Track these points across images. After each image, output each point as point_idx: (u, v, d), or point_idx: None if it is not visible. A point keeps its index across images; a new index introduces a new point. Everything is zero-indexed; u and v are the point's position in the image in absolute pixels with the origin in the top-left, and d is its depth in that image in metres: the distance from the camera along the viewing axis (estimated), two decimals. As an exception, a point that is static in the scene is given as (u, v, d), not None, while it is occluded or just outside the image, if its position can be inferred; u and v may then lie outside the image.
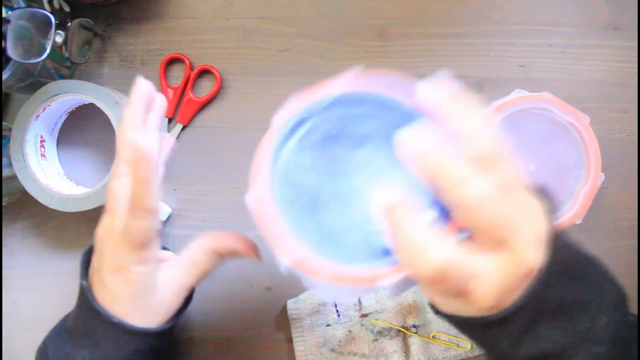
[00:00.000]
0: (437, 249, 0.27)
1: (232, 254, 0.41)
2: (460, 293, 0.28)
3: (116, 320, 0.37)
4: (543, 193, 0.31)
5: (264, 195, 0.32)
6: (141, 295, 0.38)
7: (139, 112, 0.37)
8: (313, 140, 0.34)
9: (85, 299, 0.38)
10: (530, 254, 0.28)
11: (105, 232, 0.37)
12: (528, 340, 0.31)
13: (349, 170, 0.33)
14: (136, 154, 0.35)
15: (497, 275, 0.28)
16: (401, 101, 0.33)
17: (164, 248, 0.47)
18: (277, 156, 0.33)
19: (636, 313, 0.35)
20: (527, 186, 0.29)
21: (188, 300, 0.43)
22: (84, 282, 0.39)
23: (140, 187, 0.35)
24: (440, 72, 0.31)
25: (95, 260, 0.38)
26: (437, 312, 0.34)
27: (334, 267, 0.30)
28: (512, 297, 0.29)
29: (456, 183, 0.27)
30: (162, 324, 0.39)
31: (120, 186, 0.36)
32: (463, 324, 0.33)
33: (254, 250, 0.42)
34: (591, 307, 0.31)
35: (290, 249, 0.31)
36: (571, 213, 0.47)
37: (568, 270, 0.31)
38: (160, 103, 0.39)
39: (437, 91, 0.31)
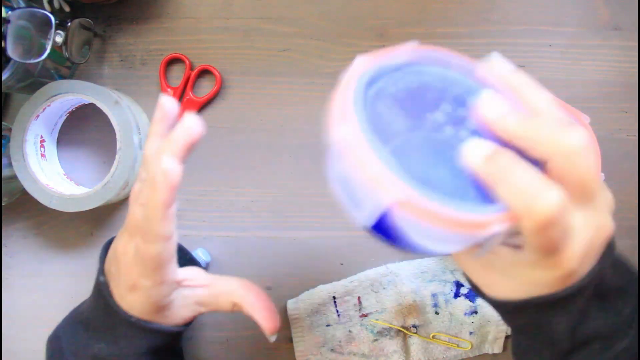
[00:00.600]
0: (551, 192, 0.26)
1: (250, 318, 0.41)
2: (555, 248, 0.28)
3: (134, 319, 0.37)
4: None
5: (355, 131, 0.28)
6: (156, 311, 0.38)
7: (160, 130, 0.36)
8: (390, 92, 0.32)
9: (103, 296, 0.38)
10: (609, 217, 0.29)
11: (121, 248, 0.37)
12: (583, 323, 0.31)
13: (433, 122, 0.32)
14: (154, 179, 0.33)
15: (585, 235, 0.29)
16: (465, 75, 0.34)
17: (192, 260, 0.47)
18: (360, 99, 0.30)
19: None
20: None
21: None
22: (102, 278, 0.38)
23: (153, 212, 0.34)
24: (495, 54, 0.32)
25: (114, 268, 0.38)
26: (487, 298, 0.33)
27: (444, 209, 0.27)
28: (587, 266, 0.30)
29: (552, 134, 0.27)
30: (178, 325, 0.40)
31: (137, 209, 0.35)
32: (525, 309, 0.32)
33: (274, 328, 0.41)
34: (631, 292, 0.32)
35: (392, 187, 0.27)
36: None
37: (613, 259, 0.32)
38: (188, 127, 0.34)
39: (503, 65, 0.32)
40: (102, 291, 0.38)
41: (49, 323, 0.56)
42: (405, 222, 0.28)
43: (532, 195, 0.26)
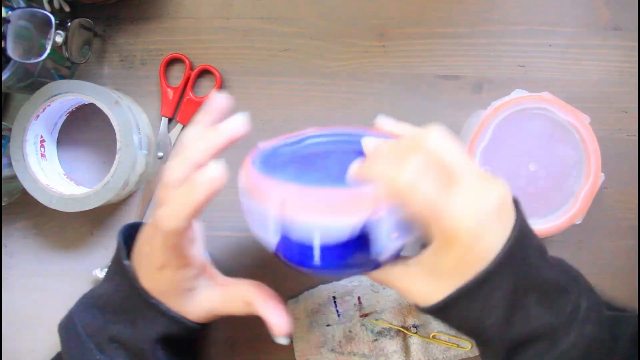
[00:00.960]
0: (409, 165, 0.33)
1: (262, 318, 0.41)
2: (432, 206, 0.32)
3: (154, 301, 0.39)
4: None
5: (251, 171, 0.37)
6: (181, 292, 0.39)
7: (206, 120, 0.38)
8: (289, 158, 0.42)
9: (128, 278, 0.39)
10: (457, 220, 0.32)
11: (151, 232, 0.38)
12: (518, 321, 0.33)
13: (322, 169, 0.42)
14: (195, 180, 0.34)
15: (463, 204, 0.33)
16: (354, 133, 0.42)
17: None
18: (257, 162, 0.39)
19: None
20: (471, 164, 0.35)
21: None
22: (127, 262, 0.40)
23: (184, 210, 0.35)
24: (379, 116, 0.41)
25: (146, 248, 0.38)
26: (423, 309, 0.36)
27: (326, 190, 0.33)
28: (491, 247, 0.33)
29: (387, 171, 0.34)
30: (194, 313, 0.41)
31: (169, 194, 0.36)
32: (447, 309, 0.35)
33: (283, 330, 0.41)
34: (571, 290, 0.35)
35: (277, 193, 0.34)
36: (571, 213, 0.47)
37: (543, 254, 0.36)
38: (236, 123, 0.37)
39: (386, 120, 0.41)
40: (127, 273, 0.39)
41: (49, 323, 0.56)
42: (299, 225, 0.34)
43: (392, 169, 0.33)
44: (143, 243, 0.39)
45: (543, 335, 0.33)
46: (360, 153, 0.39)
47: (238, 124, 0.37)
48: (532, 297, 0.33)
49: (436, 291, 0.35)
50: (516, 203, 0.35)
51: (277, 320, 0.40)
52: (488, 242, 0.33)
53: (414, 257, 0.37)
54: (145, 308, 0.39)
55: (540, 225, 0.47)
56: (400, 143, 0.36)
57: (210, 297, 0.41)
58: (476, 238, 0.32)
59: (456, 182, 0.33)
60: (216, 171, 0.34)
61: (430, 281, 0.35)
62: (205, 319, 0.42)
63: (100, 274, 0.54)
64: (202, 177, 0.34)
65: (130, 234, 0.42)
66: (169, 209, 0.35)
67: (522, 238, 0.34)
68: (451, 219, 0.32)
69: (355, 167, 0.37)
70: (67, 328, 0.41)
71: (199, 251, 0.40)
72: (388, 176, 0.33)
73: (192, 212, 0.35)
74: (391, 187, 0.33)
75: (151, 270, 0.39)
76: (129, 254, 0.41)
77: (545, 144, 0.47)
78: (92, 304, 0.41)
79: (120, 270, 0.40)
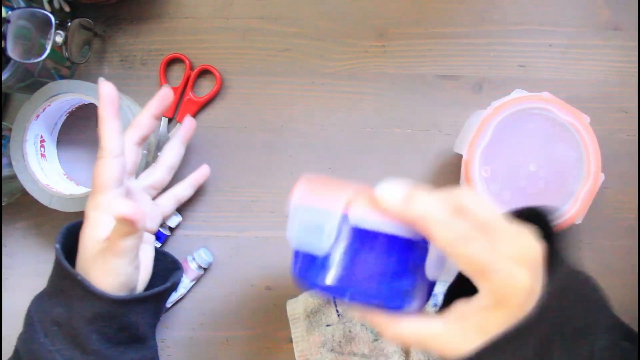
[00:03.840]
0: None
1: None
2: (483, 264, 0.31)
3: (80, 277, 0.40)
4: (536, 215, 0.35)
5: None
6: (103, 245, 0.41)
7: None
8: None
9: (58, 260, 0.41)
10: (513, 278, 0.31)
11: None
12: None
13: None
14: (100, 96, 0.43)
15: (514, 255, 0.31)
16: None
17: (175, 262, 0.51)
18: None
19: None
20: (504, 217, 0.33)
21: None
22: (57, 245, 0.42)
23: (102, 129, 0.42)
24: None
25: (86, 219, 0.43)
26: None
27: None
28: (528, 300, 0.31)
29: (441, 224, 0.32)
30: (121, 292, 0.42)
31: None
32: (476, 356, 0.33)
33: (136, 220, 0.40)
34: (591, 330, 0.33)
35: (343, 191, 0.36)
36: (571, 213, 0.47)
37: (568, 292, 0.33)
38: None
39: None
40: (57, 257, 0.42)
41: (49, 323, 0.55)
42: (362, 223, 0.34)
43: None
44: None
45: None
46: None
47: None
48: (557, 343, 0.32)
49: (467, 341, 0.33)
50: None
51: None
52: (536, 294, 0.32)
53: (449, 311, 0.34)
54: (75, 286, 0.40)
55: None
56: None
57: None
58: (530, 294, 0.31)
59: (498, 240, 0.32)
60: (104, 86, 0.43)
61: (466, 334, 0.33)
62: (120, 284, 0.42)
63: None
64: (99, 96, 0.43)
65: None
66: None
67: (562, 282, 0.33)
68: (506, 278, 0.31)
69: (398, 197, 0.34)
70: (26, 316, 0.43)
71: (121, 194, 0.44)
72: (437, 225, 0.32)
73: (105, 123, 0.43)
74: (441, 237, 0.32)
75: (87, 220, 0.43)
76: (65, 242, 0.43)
77: (545, 144, 0.47)
78: (42, 293, 0.43)
79: (55, 257, 0.42)
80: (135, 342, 0.44)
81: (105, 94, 0.43)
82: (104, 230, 0.42)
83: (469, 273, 0.32)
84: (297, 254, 0.38)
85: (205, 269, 0.54)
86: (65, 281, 0.41)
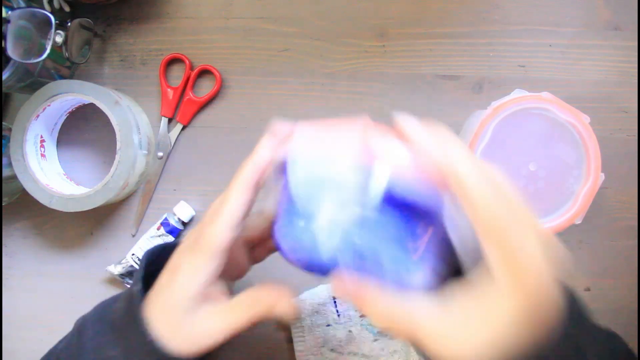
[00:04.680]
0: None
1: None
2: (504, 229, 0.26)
3: (149, 338, 0.34)
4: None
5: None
6: (181, 310, 0.34)
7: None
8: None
9: (133, 305, 0.35)
10: (533, 252, 0.26)
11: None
12: None
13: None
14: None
15: (535, 247, 0.27)
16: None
17: None
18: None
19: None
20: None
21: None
22: (136, 288, 0.36)
23: (235, 188, 0.34)
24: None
25: (166, 276, 0.35)
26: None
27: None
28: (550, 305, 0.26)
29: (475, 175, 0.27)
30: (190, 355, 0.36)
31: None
32: None
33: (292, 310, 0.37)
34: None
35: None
36: (571, 213, 0.47)
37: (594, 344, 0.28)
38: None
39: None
40: (133, 301, 0.35)
41: (49, 323, 0.56)
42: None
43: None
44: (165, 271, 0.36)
45: None
46: None
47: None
48: None
49: (466, 336, 0.27)
50: None
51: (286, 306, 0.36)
52: (554, 303, 0.26)
53: (446, 294, 0.29)
54: (141, 341, 0.34)
55: None
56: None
57: (217, 323, 0.37)
58: (547, 287, 0.26)
59: (524, 214, 0.27)
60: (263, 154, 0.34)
61: (466, 324, 0.27)
62: (201, 350, 0.37)
63: (115, 269, 0.53)
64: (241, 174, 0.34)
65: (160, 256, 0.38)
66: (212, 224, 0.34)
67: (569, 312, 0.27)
68: (526, 249, 0.26)
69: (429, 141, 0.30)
70: (79, 332, 0.38)
71: (220, 263, 0.35)
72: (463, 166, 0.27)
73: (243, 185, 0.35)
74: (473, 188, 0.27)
75: (165, 276, 0.35)
76: (147, 280, 0.36)
77: (545, 144, 0.47)
78: (105, 317, 0.38)
79: (130, 295, 0.36)
80: None
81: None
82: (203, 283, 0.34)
83: (485, 232, 0.27)
84: (290, 212, 0.32)
85: (185, 224, 0.54)
86: (131, 327, 0.35)
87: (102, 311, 0.39)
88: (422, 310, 0.28)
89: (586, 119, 0.47)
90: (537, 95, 0.47)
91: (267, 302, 0.36)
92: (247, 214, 0.35)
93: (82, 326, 0.38)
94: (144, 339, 0.34)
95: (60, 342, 0.41)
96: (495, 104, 0.48)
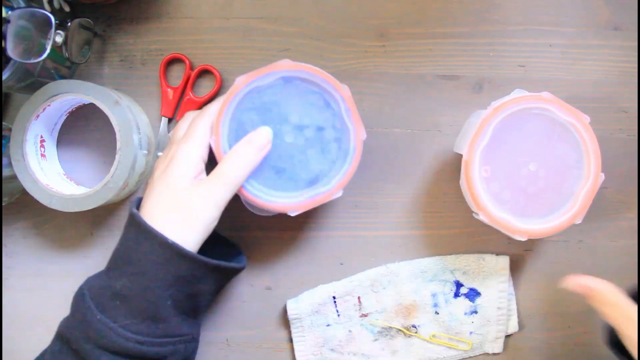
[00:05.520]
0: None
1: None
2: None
3: (170, 241, 0.39)
4: None
5: (221, 141, 0.46)
6: (189, 185, 0.43)
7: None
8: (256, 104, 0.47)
9: (137, 224, 0.41)
10: None
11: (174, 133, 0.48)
12: None
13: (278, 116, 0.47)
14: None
15: None
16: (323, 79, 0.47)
17: (229, 244, 0.53)
18: (232, 113, 0.47)
19: None
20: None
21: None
22: (134, 210, 0.42)
23: (250, 165, 0.45)
24: None
25: (159, 169, 0.45)
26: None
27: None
28: None
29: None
30: (199, 242, 0.42)
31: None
32: None
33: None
34: None
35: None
36: (571, 213, 0.47)
37: None
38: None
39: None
40: (135, 220, 0.41)
41: (49, 323, 0.56)
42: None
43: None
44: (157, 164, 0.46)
45: None
46: (313, 93, 0.47)
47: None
48: None
49: None
50: None
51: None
52: None
53: None
54: (158, 251, 0.39)
55: (540, 225, 0.47)
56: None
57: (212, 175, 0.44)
58: None
59: None
60: (268, 133, 0.45)
61: None
62: (216, 214, 0.43)
63: None
64: (261, 137, 0.45)
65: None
66: (237, 164, 0.44)
67: None
68: None
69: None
70: (76, 294, 0.41)
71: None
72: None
73: (252, 169, 0.45)
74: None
75: (167, 166, 0.43)
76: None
77: (545, 144, 0.47)
78: (102, 271, 0.43)
79: (129, 220, 0.41)
80: (191, 314, 0.44)
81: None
82: (199, 166, 0.44)
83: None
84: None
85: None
86: (142, 247, 0.40)
87: (93, 276, 0.43)
88: (632, 312, 0.41)
89: (586, 119, 0.47)
90: (537, 96, 0.47)
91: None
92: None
93: (76, 293, 0.42)
94: (166, 246, 0.39)
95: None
96: (495, 103, 0.48)
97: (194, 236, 0.42)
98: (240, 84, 0.47)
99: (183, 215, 0.41)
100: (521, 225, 0.47)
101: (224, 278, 0.45)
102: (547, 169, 0.47)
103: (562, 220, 0.47)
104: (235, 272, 0.46)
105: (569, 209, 0.47)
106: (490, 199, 0.47)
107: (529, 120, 0.47)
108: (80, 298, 0.41)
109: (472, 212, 0.50)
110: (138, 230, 0.41)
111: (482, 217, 0.48)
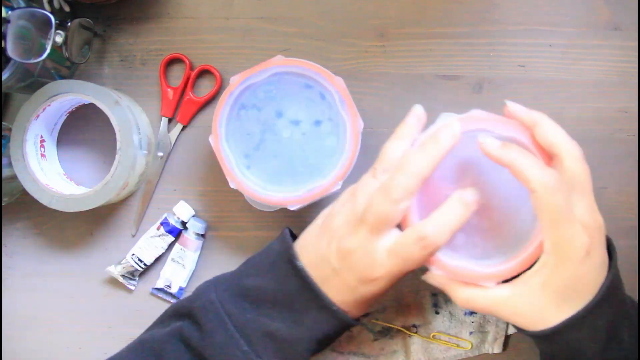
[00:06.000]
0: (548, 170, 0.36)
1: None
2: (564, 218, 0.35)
3: (328, 301, 0.39)
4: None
5: (220, 140, 0.47)
6: (365, 278, 0.39)
7: (410, 134, 0.41)
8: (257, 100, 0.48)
9: (305, 281, 0.39)
10: (578, 235, 0.35)
11: (358, 244, 0.38)
12: (614, 350, 0.35)
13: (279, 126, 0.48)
14: (405, 166, 0.38)
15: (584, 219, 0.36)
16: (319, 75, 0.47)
17: None
18: (229, 112, 0.48)
19: None
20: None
21: None
22: (300, 264, 0.40)
23: (414, 166, 0.37)
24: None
25: (339, 263, 0.39)
26: (529, 334, 0.39)
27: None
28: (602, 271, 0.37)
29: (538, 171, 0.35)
30: (358, 315, 0.41)
31: (382, 202, 0.37)
32: (555, 335, 0.37)
33: None
34: None
35: (234, 174, 0.48)
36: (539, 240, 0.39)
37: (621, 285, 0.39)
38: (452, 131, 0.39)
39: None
40: (302, 276, 0.39)
41: (49, 323, 0.56)
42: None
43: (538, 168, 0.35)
44: (331, 256, 0.39)
45: None
46: (308, 87, 0.47)
47: (454, 131, 0.38)
48: (625, 327, 0.36)
49: (544, 317, 0.37)
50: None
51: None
52: (596, 265, 0.36)
53: (516, 278, 0.38)
54: (315, 306, 0.39)
55: (508, 264, 0.38)
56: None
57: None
58: (586, 256, 0.35)
59: (576, 201, 0.36)
60: (472, 195, 0.38)
61: (537, 305, 0.37)
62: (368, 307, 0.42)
63: (115, 269, 0.53)
64: (465, 197, 0.37)
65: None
66: (438, 226, 0.37)
67: (617, 269, 0.38)
68: (572, 233, 0.35)
69: (492, 146, 0.37)
70: (208, 311, 0.40)
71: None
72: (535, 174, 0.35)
73: (457, 228, 0.37)
74: (536, 182, 0.35)
75: (351, 282, 0.39)
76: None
77: (487, 169, 0.40)
78: (238, 294, 0.41)
79: (292, 271, 0.40)
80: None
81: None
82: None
83: (544, 220, 0.35)
84: None
85: (203, 235, 0.54)
86: (304, 301, 0.39)
87: (229, 293, 0.41)
88: (495, 294, 0.38)
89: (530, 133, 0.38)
90: (470, 117, 0.41)
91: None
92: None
93: (209, 309, 0.40)
94: (323, 305, 0.39)
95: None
96: (422, 136, 0.41)
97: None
98: (235, 83, 0.47)
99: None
100: (486, 270, 0.38)
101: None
102: (499, 198, 0.40)
103: (531, 250, 0.38)
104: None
105: (537, 236, 0.38)
106: (441, 249, 0.38)
107: (465, 146, 0.39)
108: (218, 321, 0.40)
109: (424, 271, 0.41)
110: (301, 287, 0.39)
111: (435, 272, 0.39)
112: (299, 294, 0.39)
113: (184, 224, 0.54)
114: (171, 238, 0.54)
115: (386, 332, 0.53)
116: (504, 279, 0.38)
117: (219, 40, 0.55)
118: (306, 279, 0.39)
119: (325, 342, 0.41)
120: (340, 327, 0.40)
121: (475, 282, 0.38)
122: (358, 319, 0.42)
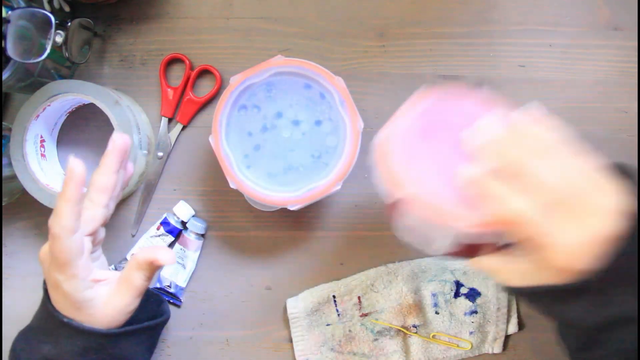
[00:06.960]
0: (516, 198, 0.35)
1: (153, 265, 0.42)
2: (537, 246, 0.34)
3: (66, 320, 0.41)
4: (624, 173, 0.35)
5: (220, 140, 0.47)
6: (79, 307, 0.41)
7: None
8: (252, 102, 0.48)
9: (43, 302, 0.43)
10: (600, 220, 0.33)
11: (41, 253, 0.42)
12: (600, 307, 0.34)
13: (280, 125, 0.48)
14: (67, 174, 0.39)
15: (567, 238, 0.33)
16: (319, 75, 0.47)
17: (160, 302, 0.50)
18: (229, 112, 0.48)
19: None
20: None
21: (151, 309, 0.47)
22: (44, 286, 0.43)
23: (60, 206, 0.39)
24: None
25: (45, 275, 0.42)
26: (511, 289, 0.38)
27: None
28: (585, 262, 0.33)
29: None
30: (110, 328, 0.42)
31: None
32: (537, 295, 0.37)
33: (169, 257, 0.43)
34: None
35: (234, 174, 0.48)
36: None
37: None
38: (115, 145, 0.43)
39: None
40: (43, 298, 0.43)
41: (49, 323, 0.55)
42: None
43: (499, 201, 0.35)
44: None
45: (622, 320, 0.34)
46: (308, 87, 0.47)
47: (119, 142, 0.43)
48: (620, 285, 0.34)
49: (527, 277, 0.37)
50: None
51: (163, 253, 0.42)
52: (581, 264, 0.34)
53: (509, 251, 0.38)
54: (61, 326, 0.41)
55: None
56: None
57: (112, 302, 0.42)
58: (571, 264, 0.34)
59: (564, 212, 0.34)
60: (73, 163, 0.39)
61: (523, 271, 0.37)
62: (121, 319, 0.43)
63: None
64: (67, 173, 0.39)
65: None
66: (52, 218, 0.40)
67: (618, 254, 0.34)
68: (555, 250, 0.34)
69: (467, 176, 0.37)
70: (11, 353, 0.44)
71: (86, 265, 0.41)
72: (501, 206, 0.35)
73: (65, 204, 0.39)
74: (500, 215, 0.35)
75: (50, 291, 0.41)
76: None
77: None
78: (27, 330, 0.44)
79: (43, 296, 0.43)
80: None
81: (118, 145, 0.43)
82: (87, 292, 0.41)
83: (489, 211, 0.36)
84: None
85: (203, 235, 0.54)
86: (50, 322, 0.42)
87: (24, 330, 0.45)
88: (495, 262, 0.39)
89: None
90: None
91: (147, 261, 0.42)
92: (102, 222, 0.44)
93: (12, 351, 0.44)
94: (63, 325, 0.40)
95: None
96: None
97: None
98: (235, 83, 0.47)
99: None
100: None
101: (148, 336, 0.46)
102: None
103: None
104: (159, 326, 0.48)
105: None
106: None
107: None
108: (15, 355, 0.43)
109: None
110: (44, 308, 0.42)
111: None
112: (45, 315, 0.42)
113: (184, 224, 0.54)
114: (171, 238, 0.54)
115: (386, 332, 0.53)
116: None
117: (219, 40, 0.55)
118: (43, 298, 0.43)
119: (95, 356, 0.42)
120: (92, 337, 0.41)
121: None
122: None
